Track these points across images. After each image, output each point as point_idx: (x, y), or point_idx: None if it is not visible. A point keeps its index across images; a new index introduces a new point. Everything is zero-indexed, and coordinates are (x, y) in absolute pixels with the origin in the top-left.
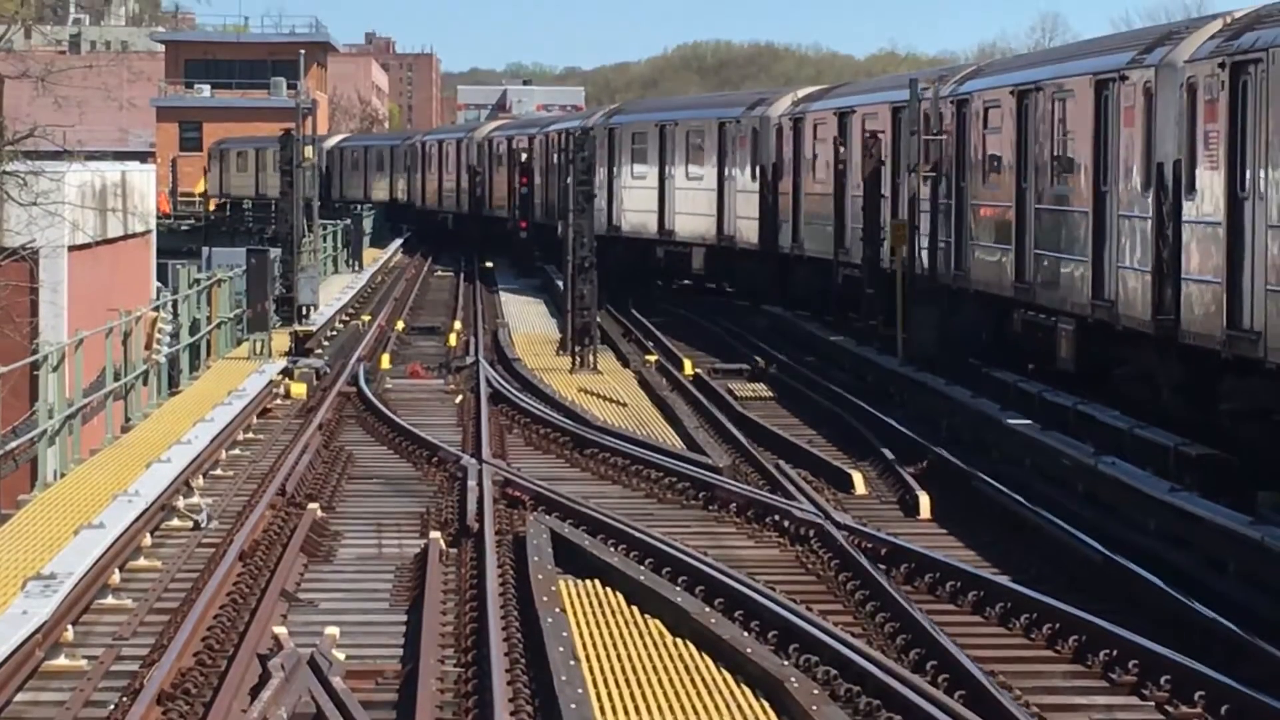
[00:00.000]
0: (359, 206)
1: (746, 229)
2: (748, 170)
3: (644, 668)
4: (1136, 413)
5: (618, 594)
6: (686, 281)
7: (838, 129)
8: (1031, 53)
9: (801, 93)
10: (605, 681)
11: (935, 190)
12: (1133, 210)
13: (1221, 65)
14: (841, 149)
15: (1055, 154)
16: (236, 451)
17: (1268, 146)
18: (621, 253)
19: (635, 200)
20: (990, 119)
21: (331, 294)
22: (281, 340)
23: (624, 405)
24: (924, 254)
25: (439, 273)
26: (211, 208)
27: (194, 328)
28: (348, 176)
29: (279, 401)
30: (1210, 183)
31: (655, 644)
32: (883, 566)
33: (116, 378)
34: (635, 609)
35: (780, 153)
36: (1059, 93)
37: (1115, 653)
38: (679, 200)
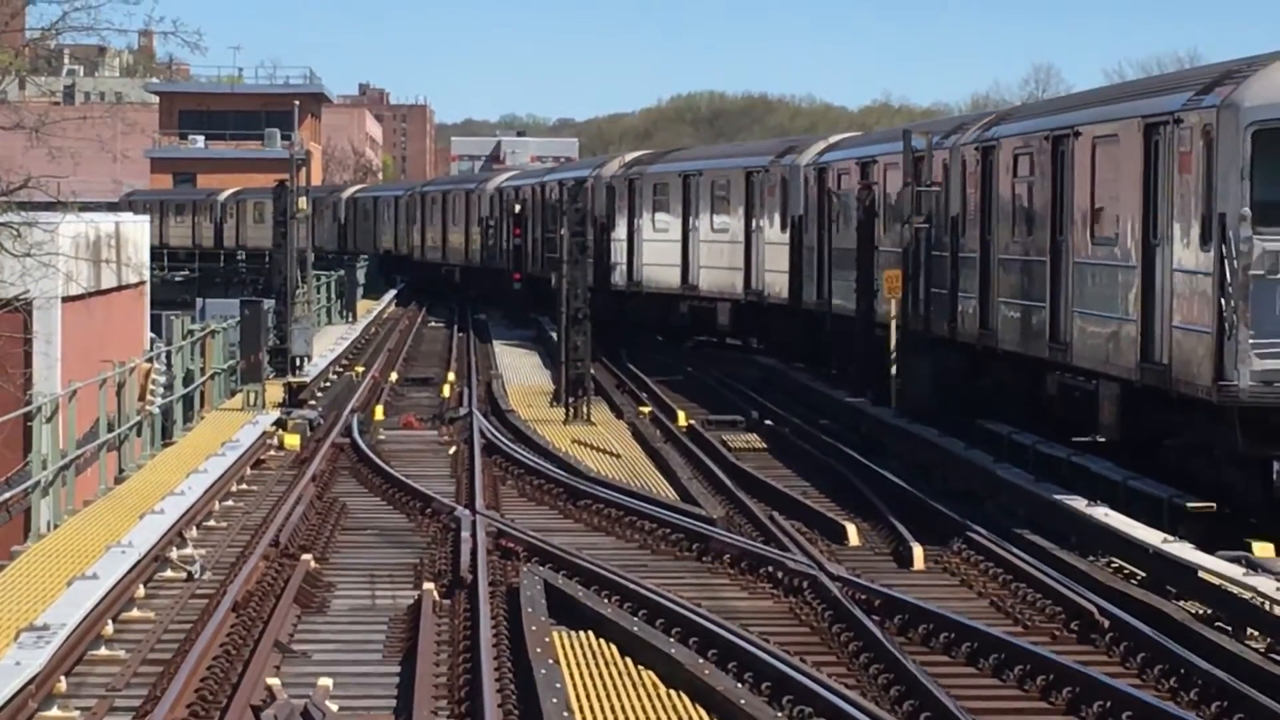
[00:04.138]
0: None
1: None
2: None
3: (637, 719)
4: (935, 394)
5: (611, 645)
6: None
7: (682, 188)
8: (874, 132)
9: (629, 156)
10: None
11: (800, 239)
12: (939, 250)
13: (978, 149)
14: (691, 204)
15: (890, 209)
16: (230, 503)
17: (998, 205)
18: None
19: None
20: (842, 183)
21: (325, 345)
22: (275, 391)
23: (618, 456)
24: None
25: (432, 324)
26: None
27: (188, 379)
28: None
29: (273, 453)
30: (973, 229)
31: (649, 695)
32: (876, 618)
33: (110, 429)
34: (629, 660)
35: (612, 206)
36: (889, 165)
37: (1109, 704)
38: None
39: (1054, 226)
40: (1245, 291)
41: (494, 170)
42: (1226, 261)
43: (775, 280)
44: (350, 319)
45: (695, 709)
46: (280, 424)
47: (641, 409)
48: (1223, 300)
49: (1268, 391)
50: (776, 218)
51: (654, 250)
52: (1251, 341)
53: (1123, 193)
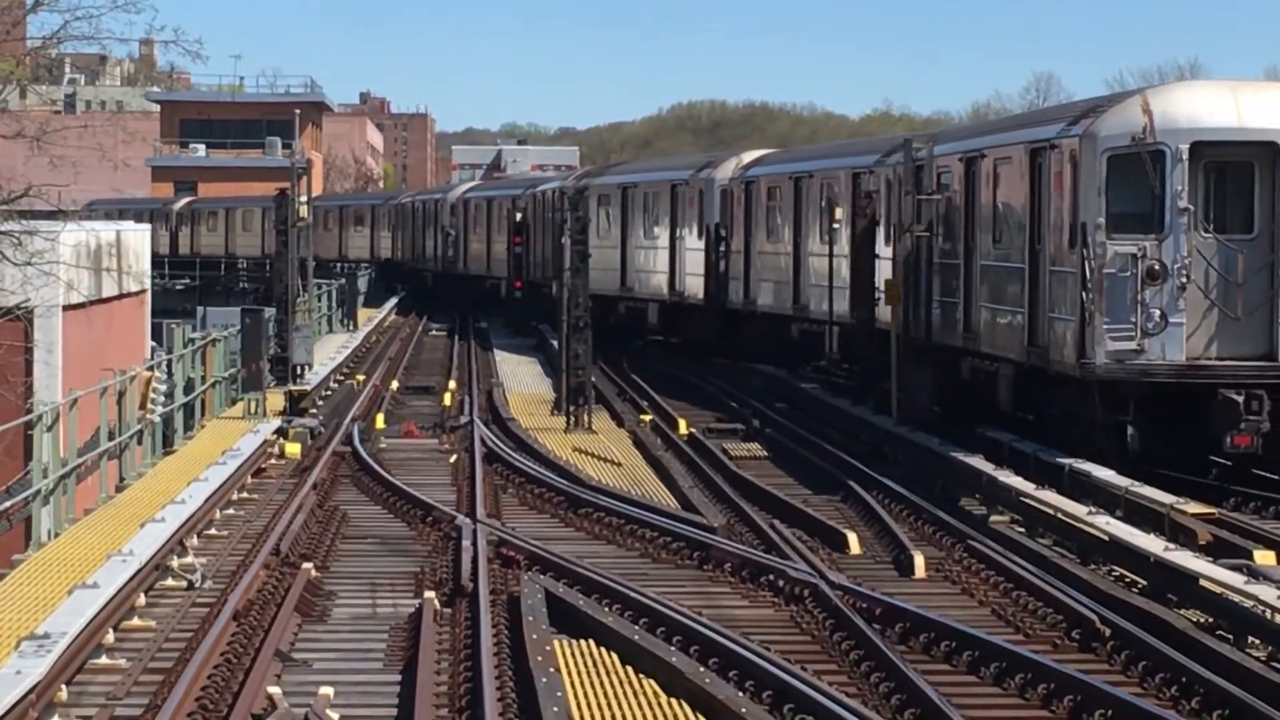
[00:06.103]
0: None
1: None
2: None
3: None
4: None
5: (612, 654)
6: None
7: (621, 199)
8: (795, 149)
9: (584, 169)
10: None
11: (725, 246)
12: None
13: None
14: (628, 213)
15: (819, 222)
16: (231, 511)
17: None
18: (468, 286)
19: (476, 249)
20: (771, 196)
21: (326, 353)
22: (276, 400)
23: (619, 465)
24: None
25: (434, 332)
26: None
27: (189, 387)
28: (204, 234)
29: (273, 461)
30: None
31: (650, 704)
32: (877, 626)
33: (111, 437)
34: (630, 669)
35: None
36: (826, 179)
37: (1111, 713)
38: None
39: (967, 234)
40: (1101, 286)
41: (495, 178)
42: (1086, 262)
43: (694, 282)
44: (351, 327)
45: (696, 718)
46: (281, 432)
47: (642, 417)
48: (1084, 294)
49: (1119, 368)
50: (695, 226)
51: (598, 256)
52: (1106, 327)
53: (1015, 206)
